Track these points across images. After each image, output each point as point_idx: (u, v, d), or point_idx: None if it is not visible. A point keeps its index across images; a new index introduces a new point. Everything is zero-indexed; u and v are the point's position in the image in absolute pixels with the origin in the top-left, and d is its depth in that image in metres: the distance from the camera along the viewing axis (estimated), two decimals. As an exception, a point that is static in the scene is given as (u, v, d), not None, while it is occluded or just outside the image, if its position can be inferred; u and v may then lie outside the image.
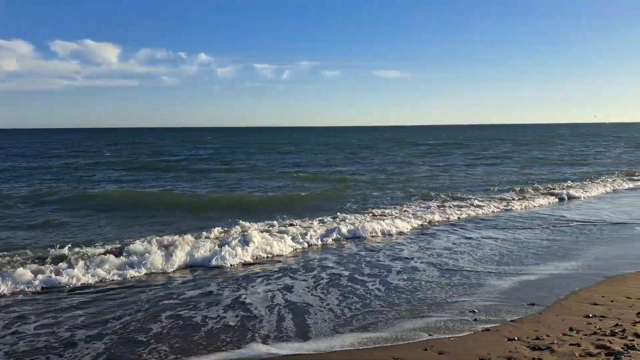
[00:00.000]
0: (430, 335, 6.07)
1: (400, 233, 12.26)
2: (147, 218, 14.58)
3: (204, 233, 11.47)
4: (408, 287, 7.99)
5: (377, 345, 5.84)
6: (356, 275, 8.73)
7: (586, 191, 18.44)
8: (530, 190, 18.87)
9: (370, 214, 14.31)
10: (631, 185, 21.00)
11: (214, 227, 11.91)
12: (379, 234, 12.02)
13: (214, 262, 9.46)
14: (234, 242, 10.26)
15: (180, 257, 9.48)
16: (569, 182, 21.44)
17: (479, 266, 9.10)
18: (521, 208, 15.50)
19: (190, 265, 9.48)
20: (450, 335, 6.04)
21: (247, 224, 12.34)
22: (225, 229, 12.07)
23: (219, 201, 17.69)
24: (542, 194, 17.92)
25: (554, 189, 18.95)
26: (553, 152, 44.52)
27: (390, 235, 12.11)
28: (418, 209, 15.06)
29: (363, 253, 10.41)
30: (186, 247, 9.94)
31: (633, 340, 5.48)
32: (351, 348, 5.79)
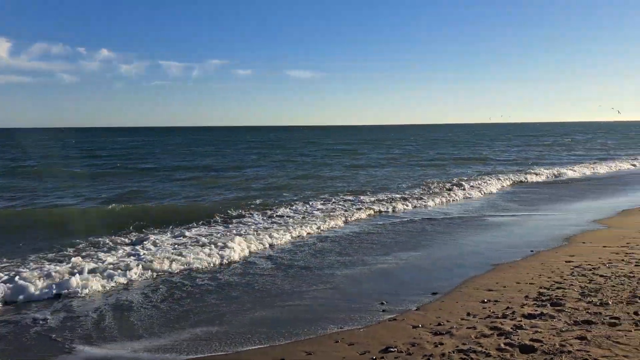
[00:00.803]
0: (341, 328, 6.29)
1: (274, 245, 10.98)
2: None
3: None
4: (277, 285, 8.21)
5: (290, 341, 5.95)
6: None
7: (480, 188, 19.73)
8: (431, 188, 19.91)
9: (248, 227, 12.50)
10: (517, 180, 22.92)
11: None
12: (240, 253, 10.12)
13: None
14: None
15: None
16: (463, 181, 22.86)
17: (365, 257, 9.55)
18: (418, 206, 16.20)
19: None
20: (360, 326, 6.29)
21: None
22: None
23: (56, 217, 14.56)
24: (436, 192, 18.74)
25: (450, 188, 19.91)
26: (456, 151, 47.34)
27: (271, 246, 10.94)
28: (315, 212, 14.53)
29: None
30: None
31: (521, 320, 6.04)
32: (265, 345, 5.86)
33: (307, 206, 15.55)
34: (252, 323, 6.57)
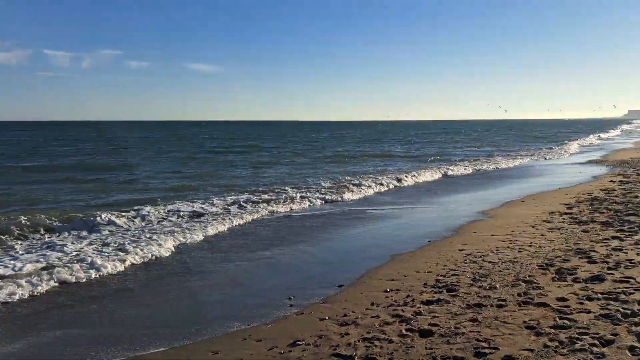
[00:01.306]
0: (249, 325, 6.23)
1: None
2: None
3: None
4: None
5: (194, 341, 5.79)
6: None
7: (380, 183, 20.46)
8: (333, 184, 20.30)
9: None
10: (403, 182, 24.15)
11: None
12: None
13: None
14: None
15: None
16: (364, 177, 23.63)
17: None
18: (320, 202, 16.37)
19: None
20: (267, 322, 6.28)
21: None
22: None
23: None
24: (337, 188, 19.06)
25: (351, 183, 20.29)
26: (359, 147, 48.72)
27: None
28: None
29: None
30: None
31: (420, 307, 6.37)
32: (166, 348, 5.65)
33: (206, 207, 14.71)
34: (152, 326, 6.30)
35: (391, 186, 20.11)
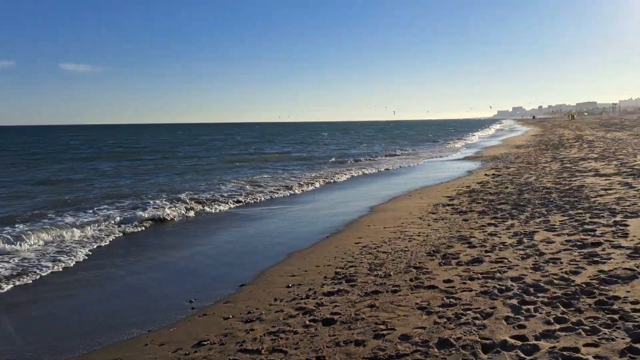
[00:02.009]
0: (149, 330, 6.05)
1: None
2: None
3: None
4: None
5: (90, 351, 5.52)
6: None
7: (279, 184, 20.74)
8: (223, 188, 20.19)
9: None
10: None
11: None
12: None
13: None
14: None
15: None
16: (259, 178, 23.74)
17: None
18: (210, 210, 16.39)
19: None
20: (170, 326, 6.14)
21: None
22: None
23: None
24: (231, 191, 19.17)
25: (246, 186, 20.52)
26: (250, 148, 48.56)
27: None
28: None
29: None
30: None
31: (322, 299, 6.62)
32: (71, 356, 5.32)
33: (90, 218, 13.48)
34: (40, 341, 5.88)
35: (288, 187, 20.36)
